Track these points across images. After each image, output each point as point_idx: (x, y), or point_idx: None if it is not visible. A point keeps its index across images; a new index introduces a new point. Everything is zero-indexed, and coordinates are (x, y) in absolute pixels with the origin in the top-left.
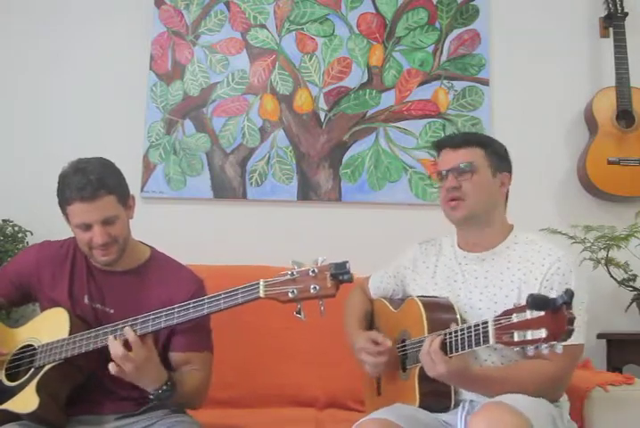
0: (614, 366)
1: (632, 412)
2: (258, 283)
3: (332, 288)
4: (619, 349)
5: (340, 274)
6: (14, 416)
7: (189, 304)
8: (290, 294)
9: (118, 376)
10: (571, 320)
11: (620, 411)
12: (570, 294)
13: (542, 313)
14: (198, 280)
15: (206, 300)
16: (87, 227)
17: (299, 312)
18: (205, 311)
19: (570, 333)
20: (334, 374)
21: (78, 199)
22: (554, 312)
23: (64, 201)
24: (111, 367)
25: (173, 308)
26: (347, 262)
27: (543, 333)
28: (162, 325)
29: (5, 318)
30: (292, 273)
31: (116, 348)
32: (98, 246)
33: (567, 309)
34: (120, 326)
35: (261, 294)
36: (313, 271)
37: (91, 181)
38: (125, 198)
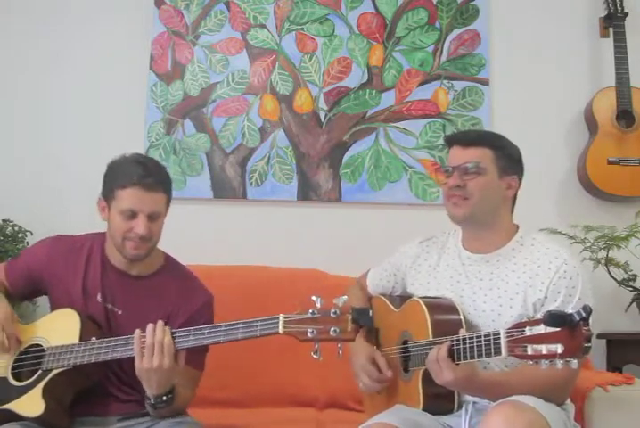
0: (614, 366)
1: (632, 412)
2: (278, 319)
3: (352, 332)
4: (619, 349)
5: (361, 319)
6: (15, 416)
7: (204, 329)
8: (309, 334)
9: (122, 382)
10: (589, 337)
11: (620, 411)
12: (588, 311)
13: (558, 328)
14: (208, 294)
15: (223, 328)
16: (132, 216)
17: (315, 352)
18: (221, 339)
19: (587, 350)
20: (334, 374)
21: (140, 185)
22: (572, 328)
23: (118, 185)
24: (137, 345)
25: (189, 330)
26: (369, 309)
27: (559, 348)
28: (178, 346)
29: None
30: (313, 312)
31: (151, 337)
32: (136, 237)
33: (584, 326)
34: (131, 341)
35: (280, 330)
36: (335, 312)
37: (152, 174)
38: (169, 203)
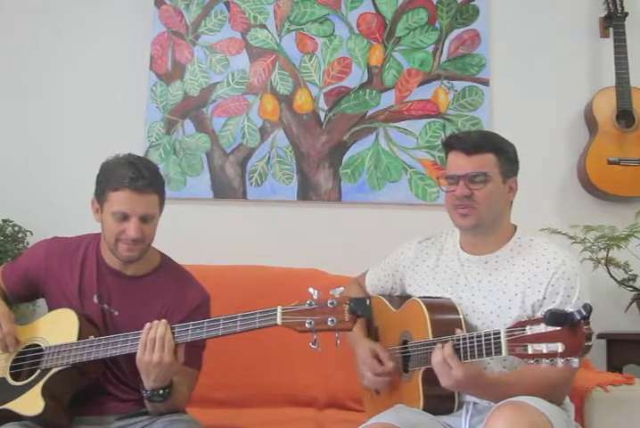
0: (614, 366)
1: (632, 412)
2: (276, 310)
3: (349, 322)
4: (619, 349)
5: (358, 309)
6: (15, 416)
7: (203, 322)
8: (307, 325)
9: (120, 381)
10: (589, 336)
11: (620, 411)
12: (588, 309)
13: (558, 327)
14: (204, 294)
15: (221, 321)
16: (124, 218)
17: (314, 343)
18: (220, 332)
19: (587, 349)
20: (334, 373)
21: (131, 187)
22: (572, 327)
23: (109, 187)
24: (143, 336)
25: (187, 325)
26: (367, 298)
27: (559, 347)
28: (177, 341)
29: None
30: (310, 303)
31: (153, 332)
32: (128, 240)
33: (585, 325)
34: (130, 338)
35: (278, 322)
36: (332, 303)
37: (144, 175)
38: (162, 204)
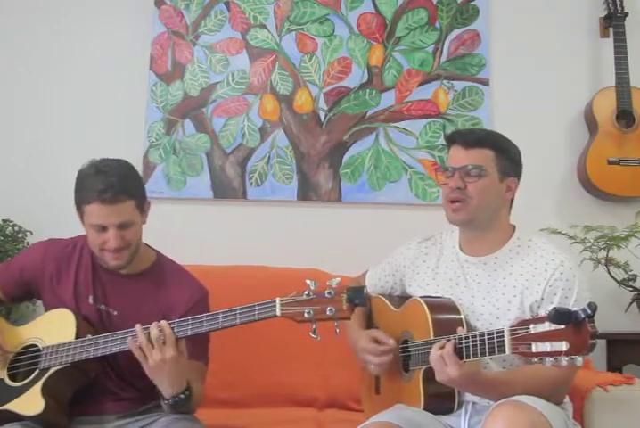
0: (614, 366)
1: (632, 412)
2: (275, 301)
3: (347, 311)
4: (619, 349)
5: (356, 298)
6: (15, 416)
7: (203, 316)
8: (306, 315)
9: (119, 378)
10: (594, 334)
11: (620, 411)
12: (593, 308)
13: (562, 326)
14: (202, 290)
15: (221, 314)
16: (102, 229)
17: (314, 332)
18: (220, 325)
19: (592, 348)
20: (334, 373)
21: (99, 200)
22: (577, 326)
23: (83, 200)
24: (135, 350)
25: (187, 320)
26: (364, 287)
27: (563, 345)
28: (178, 335)
29: (5, 317)
30: (309, 293)
31: (153, 329)
32: (111, 249)
33: (589, 323)
34: (130, 334)
35: (278, 313)
36: (330, 293)
37: (113, 184)
38: (142, 204)
